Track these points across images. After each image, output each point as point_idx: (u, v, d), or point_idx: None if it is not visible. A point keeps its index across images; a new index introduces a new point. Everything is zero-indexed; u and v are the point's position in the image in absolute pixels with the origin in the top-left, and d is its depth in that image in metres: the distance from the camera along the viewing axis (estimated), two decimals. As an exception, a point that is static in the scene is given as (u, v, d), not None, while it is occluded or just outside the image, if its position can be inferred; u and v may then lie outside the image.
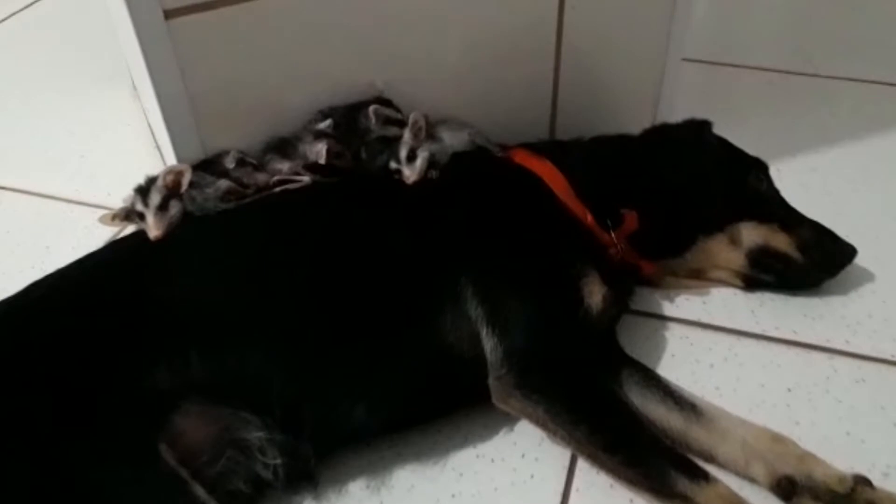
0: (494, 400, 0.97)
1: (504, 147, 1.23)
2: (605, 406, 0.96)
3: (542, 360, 0.97)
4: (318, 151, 1.11)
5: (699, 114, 1.26)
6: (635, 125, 1.31)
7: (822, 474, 0.92)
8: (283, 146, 1.16)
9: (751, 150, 1.27)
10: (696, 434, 0.99)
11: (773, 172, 1.26)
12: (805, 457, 0.94)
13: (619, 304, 1.12)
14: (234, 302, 0.97)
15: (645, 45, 1.37)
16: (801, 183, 1.47)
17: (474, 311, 0.99)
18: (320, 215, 1.07)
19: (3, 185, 1.57)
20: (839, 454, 0.96)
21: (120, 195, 1.13)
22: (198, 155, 1.16)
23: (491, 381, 0.97)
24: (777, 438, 0.97)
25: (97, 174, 1.58)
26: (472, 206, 1.09)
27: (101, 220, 1.11)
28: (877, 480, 0.94)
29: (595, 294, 1.03)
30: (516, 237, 1.05)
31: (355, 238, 1.04)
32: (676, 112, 1.41)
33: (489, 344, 0.97)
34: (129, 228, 1.14)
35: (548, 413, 0.94)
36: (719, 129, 1.27)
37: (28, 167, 1.62)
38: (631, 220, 1.13)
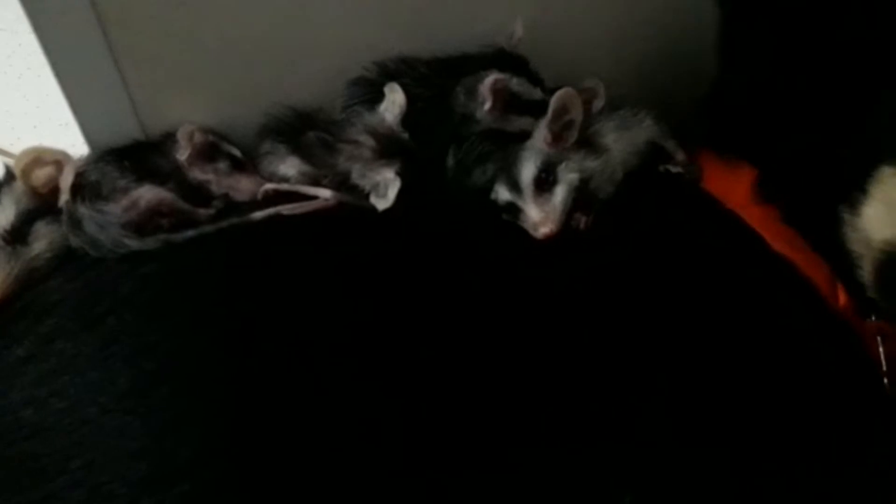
0: None
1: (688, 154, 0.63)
2: None
3: None
4: (382, 184, 0.54)
5: None
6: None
7: None
8: (294, 135, 0.57)
9: None
10: None
11: None
12: None
13: None
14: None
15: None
16: None
17: None
18: (324, 301, 0.50)
19: None
20: None
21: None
22: (127, 131, 0.58)
23: None
24: None
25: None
26: (669, 320, 0.51)
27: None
28: None
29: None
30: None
31: (384, 372, 0.48)
32: None
33: None
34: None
35: None
36: None
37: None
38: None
